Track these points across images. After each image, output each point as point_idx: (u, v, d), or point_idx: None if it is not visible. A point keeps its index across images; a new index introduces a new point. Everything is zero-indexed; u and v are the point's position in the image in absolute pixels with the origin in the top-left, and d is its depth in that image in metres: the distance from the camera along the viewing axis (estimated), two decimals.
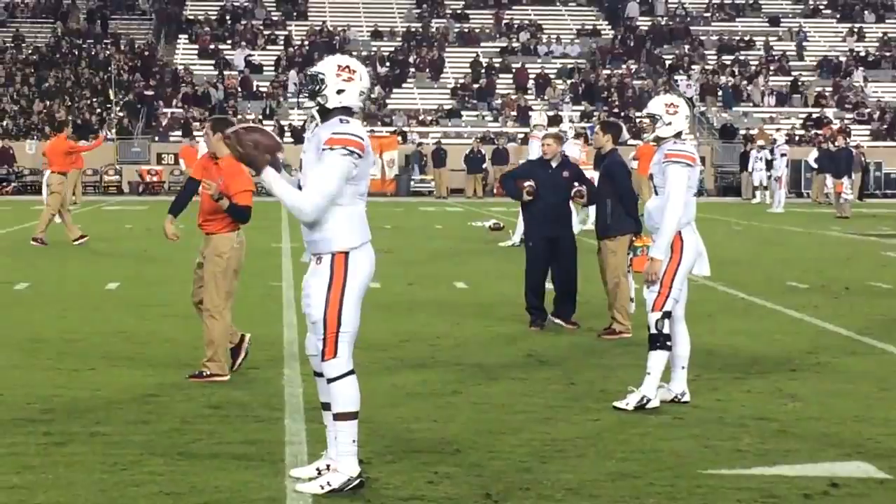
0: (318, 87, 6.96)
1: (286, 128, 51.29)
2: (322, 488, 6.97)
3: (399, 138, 50.15)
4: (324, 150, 6.86)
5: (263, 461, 7.65)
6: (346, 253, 6.93)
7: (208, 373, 10.31)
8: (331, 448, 7.18)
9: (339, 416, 6.99)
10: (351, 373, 7.01)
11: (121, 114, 52.31)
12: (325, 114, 7.01)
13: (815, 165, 44.81)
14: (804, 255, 22.80)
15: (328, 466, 7.15)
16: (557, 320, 13.47)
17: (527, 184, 13.42)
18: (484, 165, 48.65)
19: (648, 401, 9.29)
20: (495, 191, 47.25)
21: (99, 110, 52.61)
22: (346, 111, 7.01)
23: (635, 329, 12.57)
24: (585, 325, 13.45)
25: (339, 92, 6.97)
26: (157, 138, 51.61)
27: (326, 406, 7.18)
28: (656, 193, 9.54)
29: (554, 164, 13.51)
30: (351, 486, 6.97)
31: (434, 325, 13.57)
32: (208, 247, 10.45)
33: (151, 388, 9.92)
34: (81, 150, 27.06)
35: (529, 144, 24.58)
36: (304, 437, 8.27)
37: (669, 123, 9.53)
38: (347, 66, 7.01)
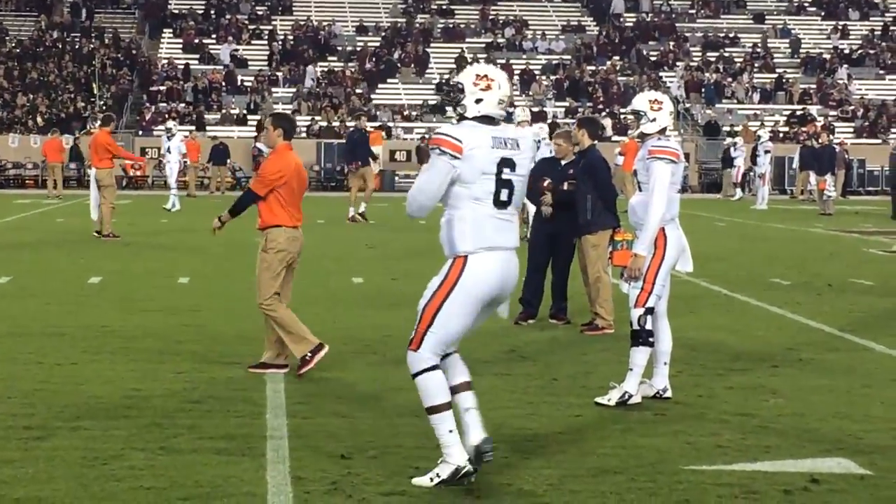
0: (457, 97, 7.06)
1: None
2: (432, 480, 6.97)
3: (383, 133, 50.05)
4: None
5: (244, 456, 7.64)
6: (465, 257, 6.97)
7: (308, 356, 10.27)
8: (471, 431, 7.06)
9: (429, 411, 7.01)
10: (434, 367, 7.00)
11: (104, 107, 52.15)
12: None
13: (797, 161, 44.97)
14: (787, 252, 22.85)
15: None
16: (553, 320, 13.50)
17: (546, 184, 13.44)
18: None
19: (630, 397, 9.30)
20: None
21: (83, 104, 52.48)
22: (487, 119, 7.05)
23: (617, 324, 12.58)
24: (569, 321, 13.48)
25: (478, 101, 7.04)
26: (140, 132, 51.50)
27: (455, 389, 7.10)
28: (640, 189, 9.55)
29: (563, 163, 13.57)
30: (460, 476, 6.94)
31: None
32: (261, 242, 10.48)
33: (133, 382, 9.90)
34: (119, 153, 25.88)
35: None
36: (286, 431, 8.26)
37: (654, 120, 9.53)
38: (486, 75, 7.09)
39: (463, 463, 6.95)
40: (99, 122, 28.30)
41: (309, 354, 10.30)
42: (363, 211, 29.30)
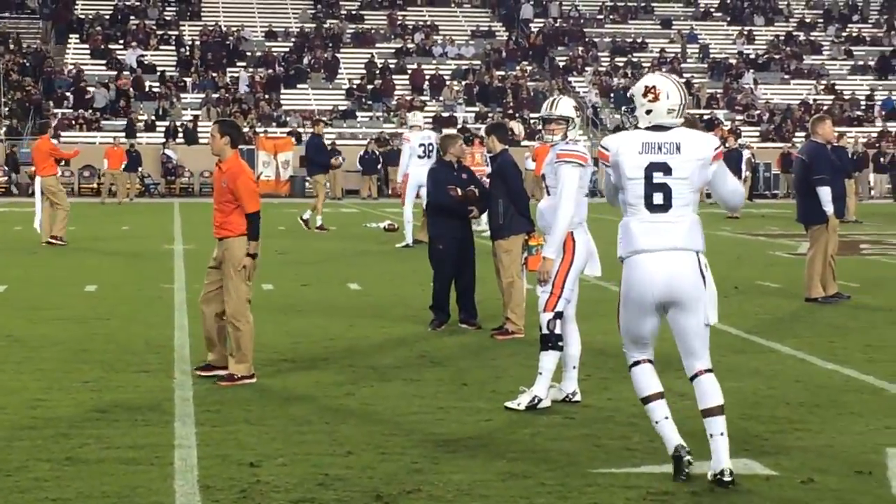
0: (631, 108, 7.43)
1: (179, 128, 50.80)
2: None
3: (293, 139, 49.88)
4: None
5: (152, 465, 7.57)
6: (623, 260, 7.34)
7: (238, 376, 10.23)
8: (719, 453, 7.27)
9: (643, 401, 7.58)
10: (634, 364, 7.56)
11: (7, 115, 51.44)
12: None
13: None
14: None
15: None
16: (464, 325, 13.52)
17: (461, 191, 13.45)
18: (379, 166, 48.63)
19: (540, 401, 9.34)
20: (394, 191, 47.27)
21: None
22: (658, 128, 7.26)
23: (527, 329, 12.62)
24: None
25: (648, 112, 7.30)
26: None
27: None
28: (548, 193, 9.62)
29: (455, 167, 13.66)
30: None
31: (327, 326, 13.52)
32: (223, 252, 10.36)
33: (38, 392, 9.77)
34: (63, 155, 26.64)
35: (404, 145, 24.41)
36: (195, 440, 8.20)
37: (575, 126, 9.73)
38: (653, 87, 7.32)
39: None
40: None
41: (238, 376, 10.25)
42: (308, 218, 28.73)
